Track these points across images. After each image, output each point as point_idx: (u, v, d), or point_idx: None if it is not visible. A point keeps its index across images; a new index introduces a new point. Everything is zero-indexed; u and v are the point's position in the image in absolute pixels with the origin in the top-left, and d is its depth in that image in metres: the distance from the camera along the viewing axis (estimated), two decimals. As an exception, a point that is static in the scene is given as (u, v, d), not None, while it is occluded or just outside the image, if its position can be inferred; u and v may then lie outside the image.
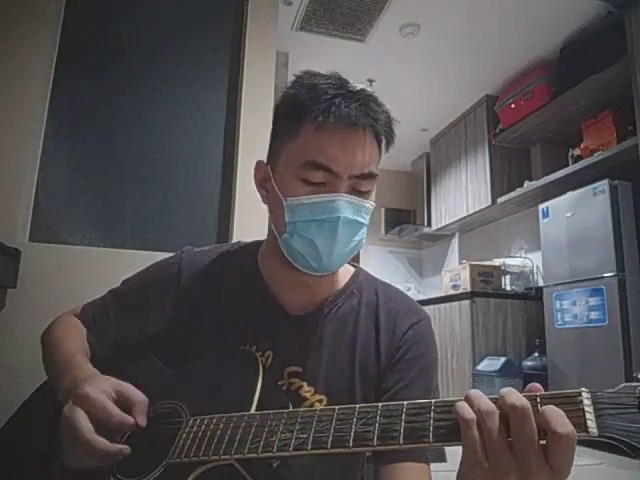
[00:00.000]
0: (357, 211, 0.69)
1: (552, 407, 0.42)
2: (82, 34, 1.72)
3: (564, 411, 0.42)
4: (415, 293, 5.15)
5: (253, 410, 0.59)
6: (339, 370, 0.73)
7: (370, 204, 0.71)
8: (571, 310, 3.19)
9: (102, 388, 0.59)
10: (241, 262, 0.82)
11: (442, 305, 4.06)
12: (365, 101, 0.69)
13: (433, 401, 0.48)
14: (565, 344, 3.21)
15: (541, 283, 3.72)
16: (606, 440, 0.42)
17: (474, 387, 3.58)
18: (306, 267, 0.71)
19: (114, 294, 0.85)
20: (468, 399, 0.45)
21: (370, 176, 0.70)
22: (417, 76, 4.02)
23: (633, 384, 0.43)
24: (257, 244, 0.84)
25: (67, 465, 0.57)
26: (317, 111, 0.67)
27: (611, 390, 0.44)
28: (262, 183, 0.76)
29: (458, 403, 0.45)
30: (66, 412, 0.57)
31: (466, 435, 0.44)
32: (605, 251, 2.98)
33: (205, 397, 0.65)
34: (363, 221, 0.70)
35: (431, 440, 0.46)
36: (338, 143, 0.67)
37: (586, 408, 0.43)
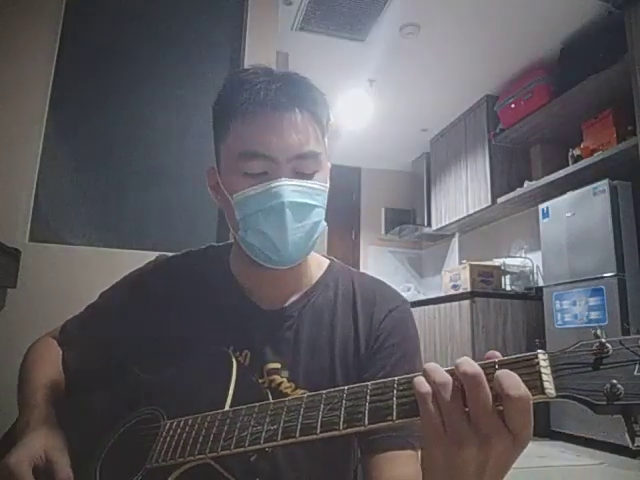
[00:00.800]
0: (303, 193, 0.68)
1: (506, 371, 0.42)
2: (82, 34, 1.72)
3: (520, 374, 0.42)
4: (415, 293, 5.15)
5: (227, 407, 0.59)
6: (319, 363, 0.73)
7: (319, 184, 0.70)
8: (571, 310, 3.18)
9: (31, 454, 0.59)
10: (213, 264, 0.82)
11: (442, 305, 4.06)
12: (286, 82, 0.69)
13: (396, 379, 0.48)
14: (565, 344, 3.15)
15: (541, 283, 3.72)
16: (564, 400, 0.42)
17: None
18: (267, 261, 0.70)
19: (92, 308, 0.85)
20: (425, 372, 0.45)
21: (311, 155, 0.68)
22: (417, 76, 4.02)
23: (590, 341, 0.43)
24: (228, 245, 0.84)
25: None
26: (241, 101, 0.67)
27: (569, 349, 0.43)
28: (215, 188, 0.76)
29: (416, 378, 0.45)
30: None
31: (423, 409, 0.44)
32: (605, 251, 2.98)
33: (182, 400, 0.65)
34: (314, 202, 0.69)
35: (394, 418, 0.46)
36: (266, 128, 0.66)
37: (542, 370, 0.42)
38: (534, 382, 0.42)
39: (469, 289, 3.83)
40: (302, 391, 0.71)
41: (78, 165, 1.64)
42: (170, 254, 0.87)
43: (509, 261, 4.16)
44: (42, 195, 1.58)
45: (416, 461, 0.68)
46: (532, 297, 3.81)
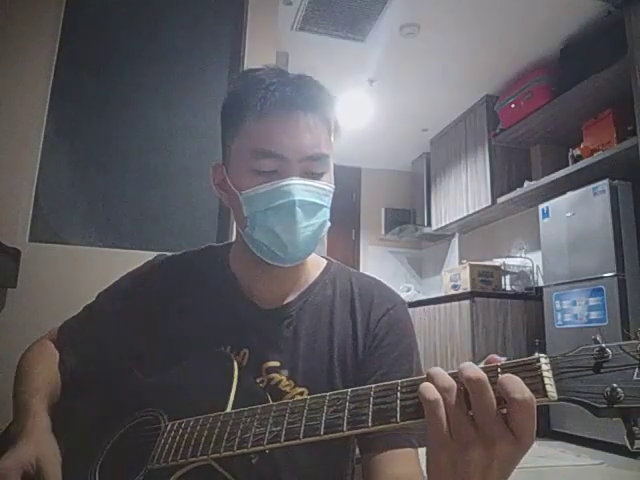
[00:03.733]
0: (312, 193, 0.69)
1: (509, 375, 0.43)
2: (82, 34, 1.72)
3: (523, 378, 0.43)
4: (415, 293, 5.15)
5: (229, 408, 0.59)
6: (318, 361, 0.73)
7: (327, 185, 0.71)
8: (571, 310, 3.18)
9: (21, 460, 0.60)
10: (213, 264, 0.82)
11: (442, 305, 4.06)
12: (300, 84, 0.70)
13: (400, 381, 0.49)
14: (565, 344, 3.20)
15: (541, 283, 3.72)
16: (566, 403, 0.42)
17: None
18: (274, 258, 0.71)
19: (89, 309, 0.85)
20: (430, 377, 0.46)
21: (321, 157, 0.70)
22: (417, 76, 4.02)
23: (590, 346, 0.44)
24: (227, 245, 0.85)
25: None
26: (255, 100, 0.68)
27: (570, 353, 0.44)
28: (221, 185, 0.77)
29: (422, 384, 0.46)
30: None
31: (429, 414, 0.44)
32: (605, 251, 2.98)
33: (182, 402, 0.65)
34: (322, 202, 0.70)
35: (398, 420, 0.46)
36: (280, 127, 0.67)
37: (544, 373, 0.43)
38: (536, 385, 0.43)
39: (469, 289, 3.84)
40: (301, 389, 0.71)
41: (78, 165, 1.64)
42: (169, 254, 0.87)
43: (509, 261, 4.16)
44: (42, 195, 1.58)
45: (416, 459, 0.68)
46: (532, 297, 3.82)
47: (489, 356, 0.47)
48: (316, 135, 0.69)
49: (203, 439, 0.56)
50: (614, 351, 0.43)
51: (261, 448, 0.52)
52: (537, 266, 4.02)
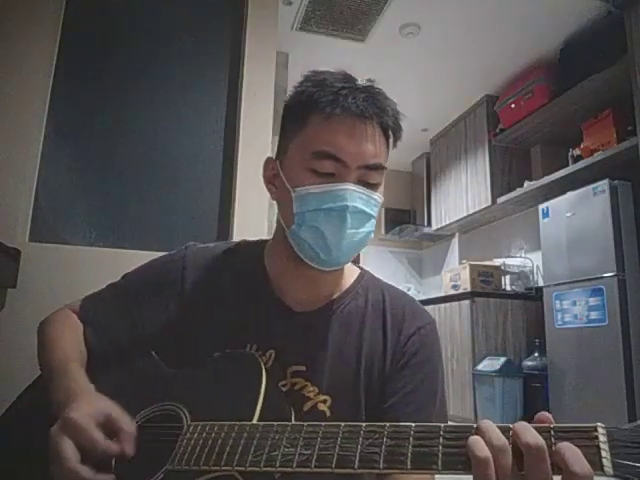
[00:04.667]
0: (365, 202, 0.69)
1: (569, 445, 0.42)
2: (82, 34, 1.72)
3: (579, 446, 0.41)
4: (415, 293, 5.15)
5: (256, 417, 0.58)
6: (344, 370, 0.73)
7: (379, 196, 0.71)
8: (571, 310, 3.18)
9: (90, 412, 0.57)
10: (246, 260, 0.81)
11: (442, 305, 4.06)
12: (372, 94, 0.71)
13: (442, 425, 0.47)
14: (565, 344, 3.20)
15: (541, 283, 3.72)
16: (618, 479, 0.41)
17: (474, 387, 3.59)
18: (315, 259, 0.70)
19: (114, 288, 0.83)
20: (480, 431, 0.44)
21: (378, 168, 0.70)
22: (417, 76, 4.02)
23: None
24: (263, 242, 0.84)
25: None
26: (324, 102, 0.68)
27: (627, 427, 0.43)
28: (271, 180, 0.76)
29: (471, 438, 0.44)
30: (52, 436, 0.55)
31: (478, 473, 0.43)
32: (605, 251, 2.98)
33: (206, 401, 0.64)
34: (371, 212, 0.70)
35: (440, 468, 0.45)
36: (346, 133, 0.68)
37: (601, 445, 0.41)
38: (592, 457, 0.41)
39: (469, 289, 3.84)
40: (324, 397, 0.71)
41: (78, 165, 1.64)
42: (201, 244, 0.85)
43: (509, 261, 4.17)
44: (42, 195, 1.57)
45: None
46: (532, 297, 3.82)
47: (540, 414, 0.46)
48: (378, 146, 0.70)
49: (228, 448, 0.54)
50: None
51: (289, 470, 0.50)
52: (537, 266, 4.02)
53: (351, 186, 0.67)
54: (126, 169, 1.69)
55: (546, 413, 0.45)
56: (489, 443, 0.43)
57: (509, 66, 3.87)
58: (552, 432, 0.43)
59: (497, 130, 4.19)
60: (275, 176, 0.75)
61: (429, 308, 4.18)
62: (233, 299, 0.77)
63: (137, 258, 0.90)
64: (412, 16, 3.32)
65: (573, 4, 3.16)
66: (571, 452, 0.41)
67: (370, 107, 0.69)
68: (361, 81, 0.73)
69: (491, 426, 0.45)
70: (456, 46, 3.62)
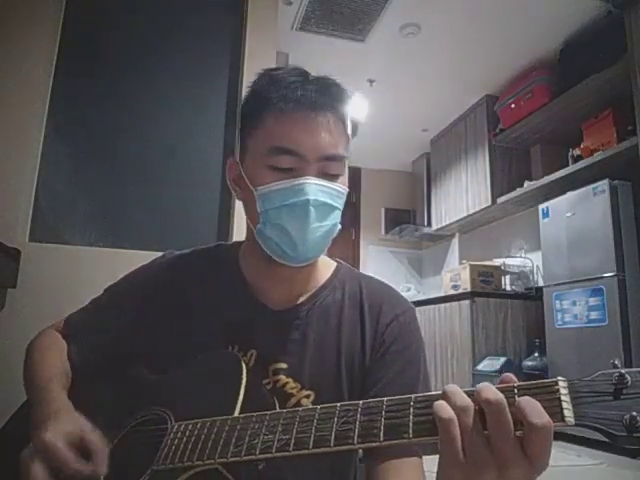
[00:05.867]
0: (327, 194, 0.69)
1: (527, 398, 0.42)
2: (82, 34, 1.72)
3: (540, 401, 0.42)
4: (415, 293, 5.15)
5: (237, 413, 0.59)
6: (325, 365, 0.73)
7: (340, 187, 0.71)
8: (571, 310, 3.18)
9: (64, 431, 0.57)
10: (222, 262, 0.82)
11: (442, 305, 4.06)
12: (324, 85, 0.70)
13: (413, 396, 0.48)
14: (565, 344, 3.21)
15: (541, 283, 3.72)
16: (583, 428, 0.42)
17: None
18: (282, 256, 0.70)
19: (97, 301, 0.85)
20: (445, 395, 0.45)
21: (338, 158, 0.70)
22: (417, 76, 4.02)
23: (609, 371, 0.43)
24: (237, 244, 0.84)
25: None
26: (276, 98, 0.68)
27: (587, 378, 0.44)
28: (236, 181, 0.76)
29: (436, 402, 0.45)
30: (23, 459, 0.55)
31: (444, 433, 0.44)
32: (605, 251, 2.98)
33: (190, 402, 0.64)
34: (335, 204, 0.70)
35: (411, 436, 0.46)
36: (300, 126, 0.68)
37: (562, 397, 0.42)
38: (554, 409, 0.42)
39: (469, 289, 3.84)
40: (307, 392, 0.71)
41: (78, 165, 1.64)
42: (178, 252, 0.86)
43: (509, 261, 4.17)
44: (42, 195, 1.57)
45: (420, 468, 0.68)
46: (532, 297, 3.82)
47: (504, 375, 0.46)
48: (335, 136, 0.69)
49: (210, 443, 0.55)
50: (633, 377, 0.42)
51: (269, 456, 0.51)
52: (537, 266, 4.02)
53: (311, 179, 0.67)
54: (126, 169, 1.69)
55: (510, 374, 0.46)
56: (453, 405, 0.44)
57: (509, 66, 3.87)
58: (515, 390, 0.44)
59: (497, 130, 4.19)
60: (238, 176, 0.75)
61: (429, 308, 4.18)
62: (212, 302, 0.78)
63: (137, 258, 0.90)
64: (412, 16, 3.32)
65: (573, 4, 3.15)
66: (529, 405, 0.42)
67: (322, 98, 0.69)
68: (313, 75, 0.72)
69: (456, 389, 0.45)
70: (456, 46, 3.62)
